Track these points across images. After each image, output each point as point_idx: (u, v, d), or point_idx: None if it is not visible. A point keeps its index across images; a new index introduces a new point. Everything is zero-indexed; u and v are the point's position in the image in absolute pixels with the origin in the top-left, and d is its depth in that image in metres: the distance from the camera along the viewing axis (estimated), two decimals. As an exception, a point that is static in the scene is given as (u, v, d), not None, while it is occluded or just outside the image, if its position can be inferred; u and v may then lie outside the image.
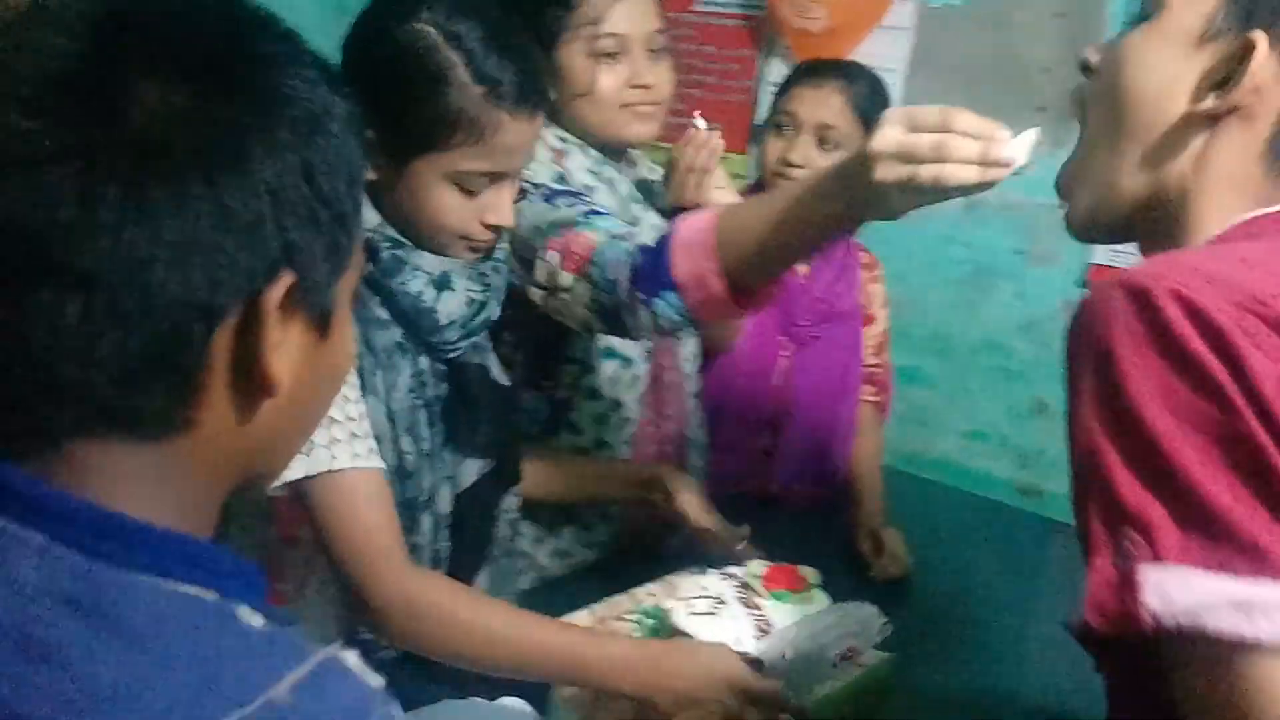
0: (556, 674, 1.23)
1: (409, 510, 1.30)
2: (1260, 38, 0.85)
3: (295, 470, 1.13)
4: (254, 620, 0.59)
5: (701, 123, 1.62)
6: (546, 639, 1.21)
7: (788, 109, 1.92)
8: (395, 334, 1.27)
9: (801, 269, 2.00)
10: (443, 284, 1.27)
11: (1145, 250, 0.99)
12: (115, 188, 0.54)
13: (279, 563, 1.30)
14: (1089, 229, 1.06)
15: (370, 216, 1.24)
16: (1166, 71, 0.91)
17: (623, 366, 1.71)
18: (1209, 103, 0.88)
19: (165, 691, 0.54)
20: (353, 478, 1.17)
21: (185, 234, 0.55)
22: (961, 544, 1.98)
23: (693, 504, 1.58)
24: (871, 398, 2.14)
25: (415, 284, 1.25)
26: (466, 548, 1.40)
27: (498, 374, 1.45)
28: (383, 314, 1.27)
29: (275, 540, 1.29)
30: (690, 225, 1.25)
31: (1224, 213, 0.89)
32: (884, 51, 2.68)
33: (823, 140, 1.88)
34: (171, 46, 0.58)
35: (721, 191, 1.66)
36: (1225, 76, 0.87)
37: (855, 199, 1.14)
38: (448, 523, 1.37)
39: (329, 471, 1.15)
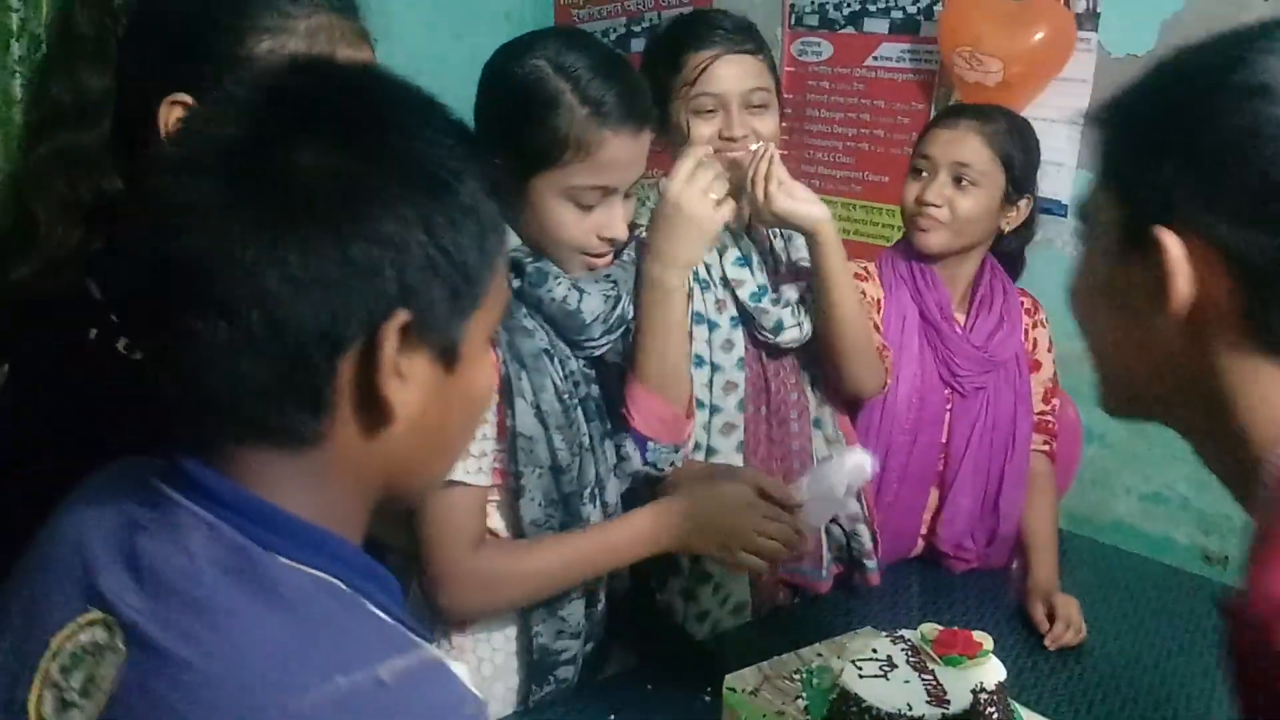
0: (611, 567, 1.46)
1: (569, 503, 1.42)
2: (1165, 235, 0.76)
3: None
4: (377, 611, 0.70)
5: (755, 145, 1.65)
6: (589, 549, 1.41)
7: (925, 152, 1.91)
8: (540, 341, 1.40)
9: (959, 317, 1.98)
10: (580, 288, 1.41)
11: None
12: (259, 233, 0.65)
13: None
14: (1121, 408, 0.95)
15: (513, 239, 1.37)
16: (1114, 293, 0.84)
17: (712, 372, 1.72)
18: (1160, 321, 0.79)
19: (293, 647, 0.64)
20: (458, 492, 1.33)
21: (311, 274, 0.65)
22: (1140, 612, 1.90)
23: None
24: (1042, 447, 2.07)
25: (560, 290, 1.40)
26: None
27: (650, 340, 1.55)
28: (528, 323, 1.39)
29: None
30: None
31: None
32: (1061, 103, 2.64)
33: (959, 179, 1.87)
34: (323, 117, 0.69)
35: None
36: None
37: None
38: (619, 510, 1.49)
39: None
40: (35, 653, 0.68)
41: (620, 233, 1.39)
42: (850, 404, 1.92)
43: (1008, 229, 1.95)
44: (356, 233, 0.66)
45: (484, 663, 1.46)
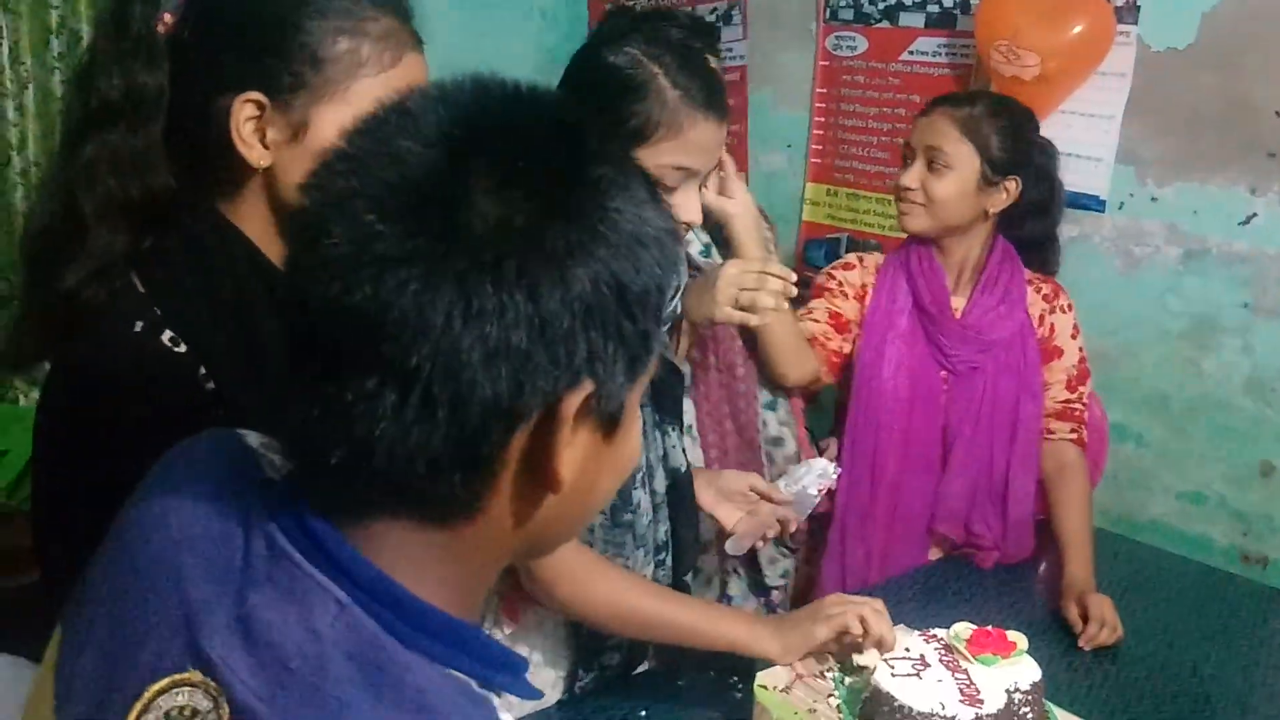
0: (676, 642, 1.43)
1: (623, 485, 1.39)
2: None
3: None
4: (507, 715, 0.65)
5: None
6: (676, 616, 1.39)
7: (908, 140, 2.02)
8: None
9: (959, 300, 2.03)
10: None
11: None
12: (448, 293, 0.58)
13: None
14: None
15: None
16: None
17: None
18: None
19: None
20: None
21: (502, 341, 0.59)
22: (1177, 612, 1.88)
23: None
24: (1069, 435, 2.06)
25: None
26: (686, 527, 1.54)
27: (679, 364, 1.62)
28: None
29: None
30: None
31: None
32: (1100, 98, 2.61)
33: (931, 163, 1.94)
34: (514, 165, 0.61)
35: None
36: None
37: None
38: (665, 501, 1.50)
39: None
40: (127, 691, 0.62)
41: (695, 217, 1.44)
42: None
43: (993, 211, 1.99)
44: (554, 295, 0.59)
45: (534, 650, 1.49)
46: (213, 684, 0.60)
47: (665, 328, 1.48)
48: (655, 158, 1.38)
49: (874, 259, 2.13)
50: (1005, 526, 2.02)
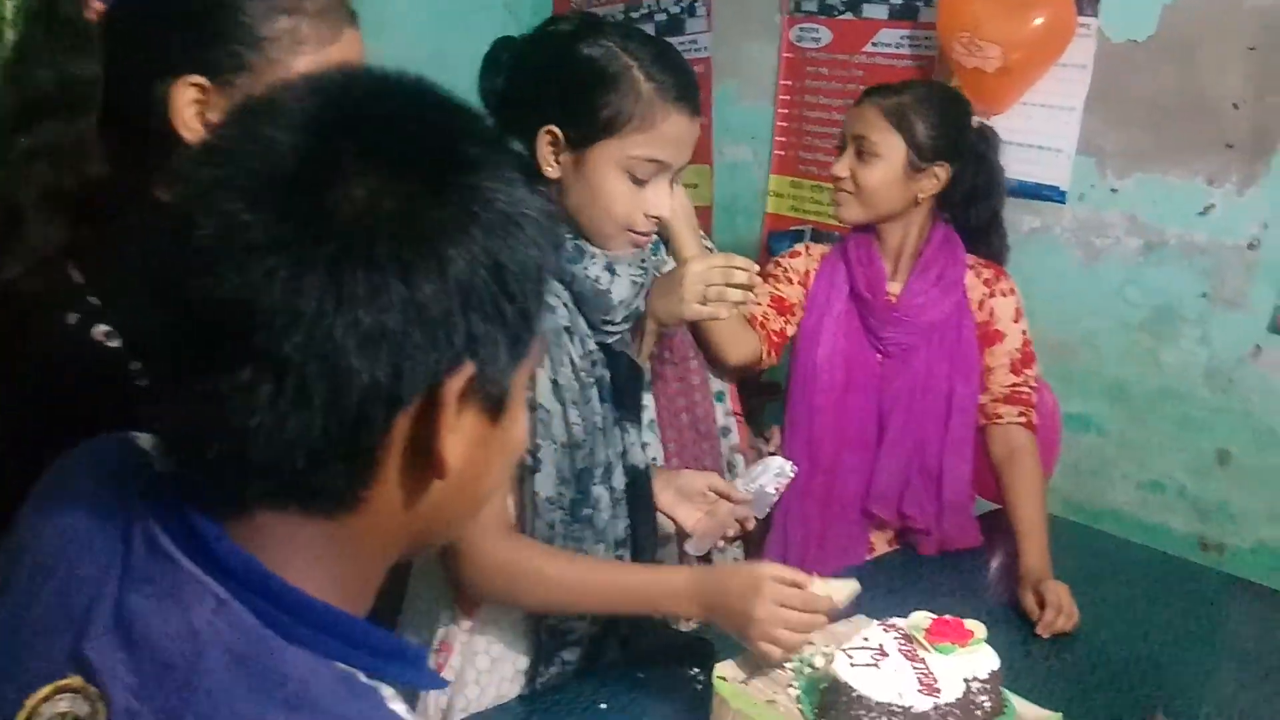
0: (635, 610, 1.46)
1: (582, 480, 1.45)
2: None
3: None
4: (398, 705, 0.63)
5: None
6: (622, 581, 1.42)
7: (841, 131, 2.07)
8: (561, 318, 1.44)
9: (895, 286, 2.05)
10: (612, 270, 1.46)
11: None
12: (318, 280, 0.57)
13: None
14: None
15: None
16: None
17: None
18: None
19: None
20: None
21: (378, 325, 0.58)
22: (1136, 600, 1.90)
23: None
24: (1017, 419, 2.06)
25: (594, 269, 1.45)
26: (644, 524, 1.54)
27: (641, 364, 1.61)
28: (550, 300, 1.41)
29: None
30: None
31: None
32: (1061, 89, 2.62)
33: (860, 152, 1.99)
34: (382, 148, 0.61)
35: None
36: None
37: None
38: (624, 499, 1.51)
39: None
40: (9, 701, 0.61)
41: (666, 211, 1.44)
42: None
43: (924, 197, 2.02)
44: (429, 277, 0.59)
45: (493, 644, 1.48)
46: (92, 689, 0.59)
47: (627, 328, 1.49)
48: (627, 149, 1.38)
49: (820, 248, 2.18)
50: (940, 509, 2.04)
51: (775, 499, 1.64)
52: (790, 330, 2.10)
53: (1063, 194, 2.66)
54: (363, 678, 0.63)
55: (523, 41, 1.49)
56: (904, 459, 2.05)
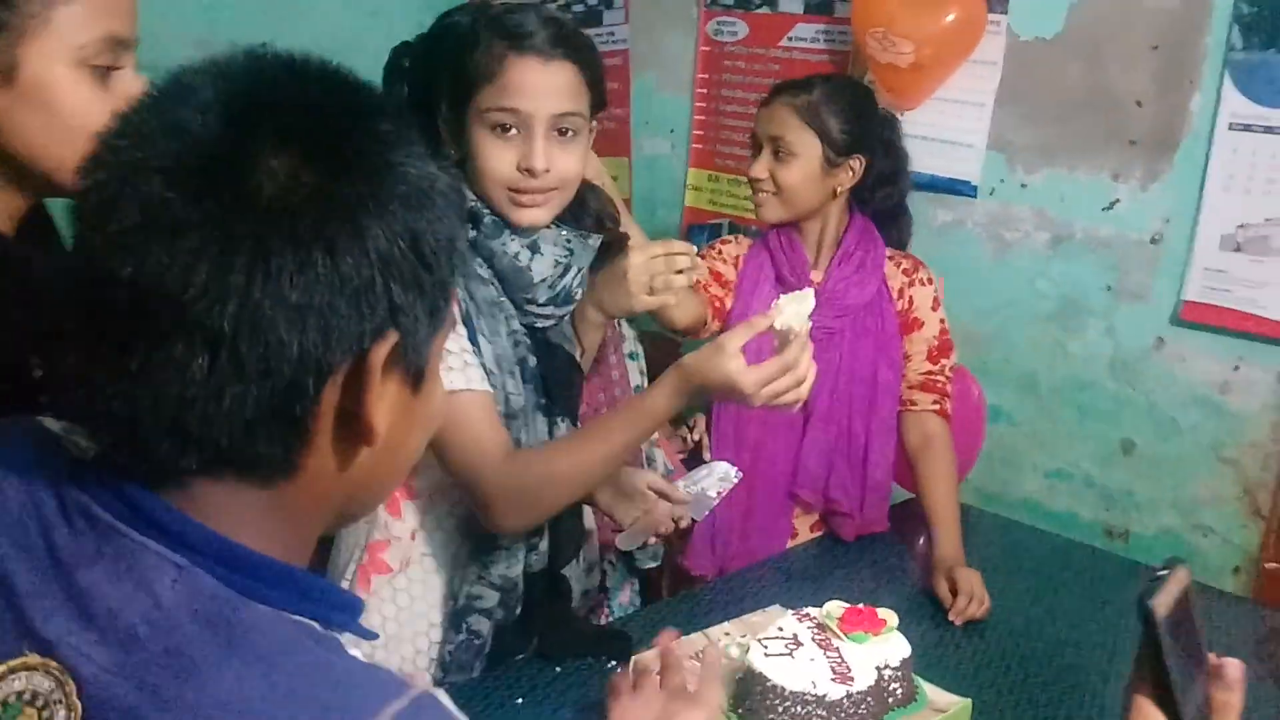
0: (638, 439, 1.47)
1: None
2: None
3: None
4: (355, 650, 0.66)
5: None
6: (619, 435, 1.41)
7: (753, 131, 2.08)
8: (493, 291, 1.44)
9: (816, 276, 2.07)
10: (534, 247, 1.46)
11: None
12: (245, 255, 0.59)
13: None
14: None
15: (469, 193, 1.44)
16: None
17: None
18: None
19: (282, 707, 0.59)
20: (466, 398, 1.37)
21: (305, 297, 0.61)
22: (1045, 586, 1.94)
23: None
24: (931, 406, 2.10)
25: (514, 245, 1.45)
26: (568, 519, 1.54)
27: (580, 361, 1.59)
28: (484, 272, 1.44)
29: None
30: None
31: None
32: (973, 85, 2.66)
33: (777, 152, 2.01)
34: (298, 126, 0.63)
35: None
36: None
37: None
38: None
39: (447, 393, 1.29)
40: None
41: (537, 163, 1.40)
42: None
43: (841, 190, 2.05)
44: (350, 249, 0.62)
45: (387, 621, 1.47)
46: (54, 664, 0.60)
47: (553, 311, 1.47)
48: (482, 104, 1.39)
49: (746, 240, 2.20)
50: (864, 492, 2.07)
51: (715, 503, 1.65)
52: (729, 303, 2.11)
53: (974, 188, 2.70)
54: (319, 628, 0.66)
55: (417, 41, 1.50)
56: (830, 443, 2.07)
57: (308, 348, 0.61)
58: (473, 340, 1.41)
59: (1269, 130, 2.28)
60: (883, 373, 2.08)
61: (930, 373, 2.11)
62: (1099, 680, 1.62)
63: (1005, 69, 2.63)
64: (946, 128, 2.70)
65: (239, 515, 0.66)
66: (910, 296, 2.12)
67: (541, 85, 1.40)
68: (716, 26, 3.15)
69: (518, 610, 1.51)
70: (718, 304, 2.10)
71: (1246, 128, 2.31)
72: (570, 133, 1.43)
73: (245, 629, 0.62)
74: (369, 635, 0.72)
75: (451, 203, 0.69)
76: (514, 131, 1.40)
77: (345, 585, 1.48)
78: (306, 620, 0.66)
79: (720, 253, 2.16)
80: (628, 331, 1.76)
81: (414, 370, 0.69)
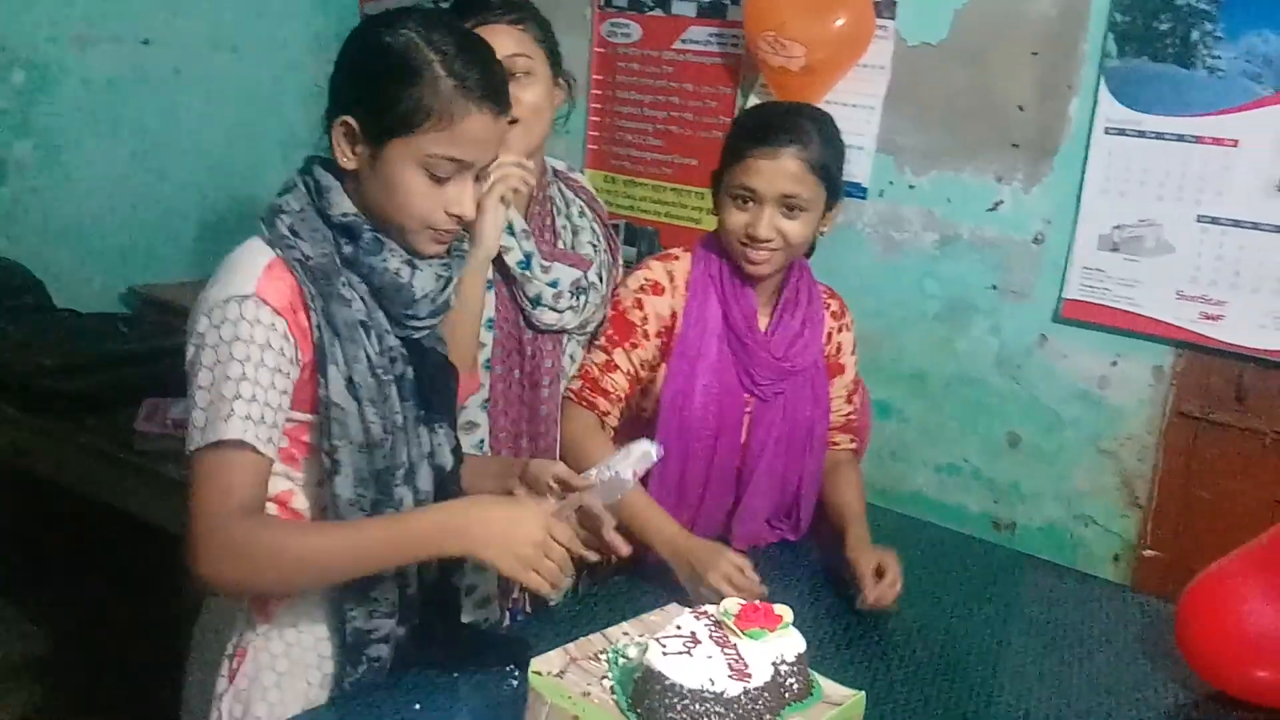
0: (391, 563, 1.38)
1: (382, 481, 1.39)
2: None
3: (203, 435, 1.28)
4: None
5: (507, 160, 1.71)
6: (374, 537, 1.34)
7: (748, 184, 1.83)
8: (358, 311, 1.38)
9: (762, 320, 1.96)
10: (413, 264, 1.42)
11: None
12: None
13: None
14: None
15: (348, 205, 1.39)
16: None
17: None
18: None
19: None
20: (236, 452, 1.28)
21: None
22: (935, 578, 1.98)
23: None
24: (849, 445, 2.13)
25: (394, 262, 1.40)
26: None
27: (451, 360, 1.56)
28: (346, 293, 1.37)
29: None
30: None
31: None
32: (861, 89, 2.72)
33: (788, 209, 1.83)
34: None
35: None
36: None
37: None
38: (429, 499, 1.45)
39: (219, 441, 1.27)
40: None
41: (468, 211, 1.40)
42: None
43: (825, 232, 1.95)
44: None
45: (292, 648, 1.43)
46: None
47: (434, 323, 1.45)
48: (425, 147, 1.34)
49: (683, 270, 1.97)
50: (796, 532, 2.06)
51: (630, 485, 1.59)
52: (644, 376, 1.96)
53: (864, 190, 2.76)
54: None
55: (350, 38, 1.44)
56: (768, 498, 2.02)
57: None
58: (323, 373, 1.33)
59: (1142, 135, 2.37)
60: (818, 425, 2.02)
61: (848, 415, 2.13)
62: (988, 671, 1.67)
63: (893, 73, 2.69)
64: (837, 130, 2.75)
65: None
66: (838, 343, 2.09)
67: (493, 138, 1.39)
68: (610, 28, 3.15)
69: (416, 621, 1.48)
70: (621, 400, 1.94)
71: (1121, 132, 2.40)
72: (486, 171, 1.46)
73: None
74: None
75: None
76: (449, 177, 1.37)
77: (242, 615, 1.42)
78: None
79: (646, 321, 1.94)
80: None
81: None
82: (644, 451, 1.59)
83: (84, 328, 2.87)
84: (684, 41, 3.02)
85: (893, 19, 2.68)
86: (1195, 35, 2.29)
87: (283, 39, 3.59)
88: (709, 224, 2.98)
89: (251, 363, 1.29)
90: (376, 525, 1.36)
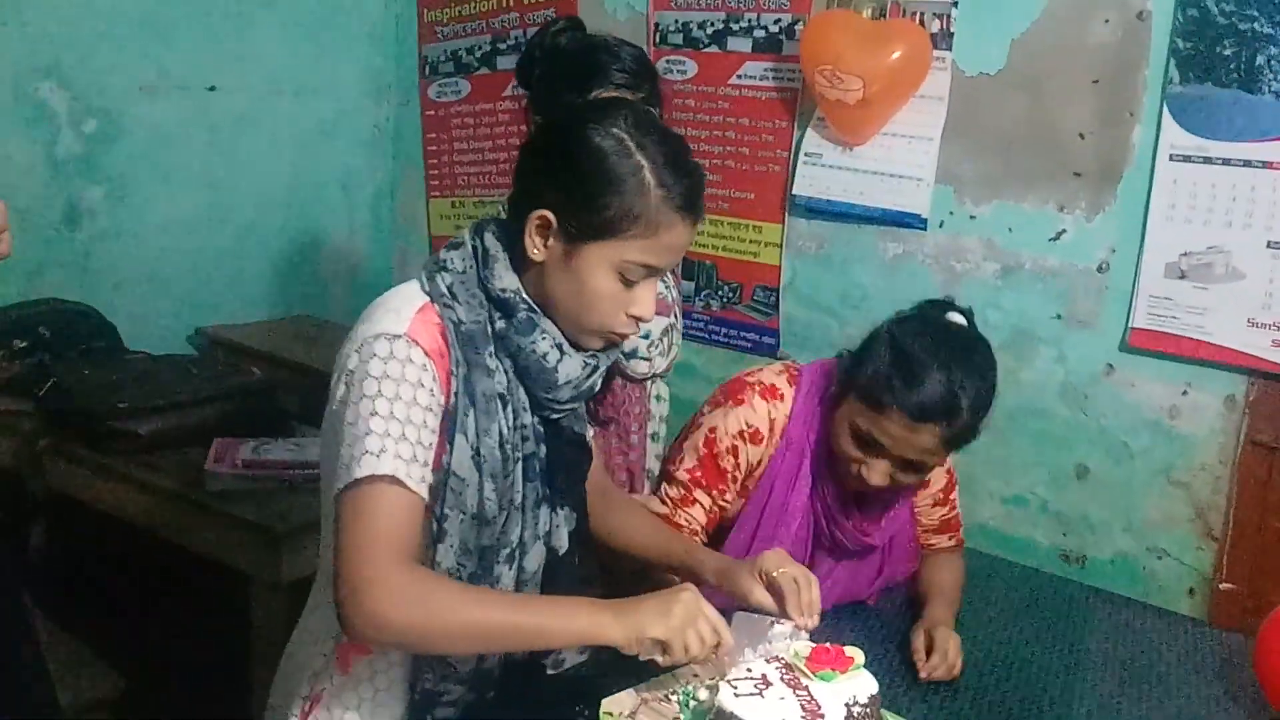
0: (535, 646, 1.37)
1: (484, 557, 1.37)
2: None
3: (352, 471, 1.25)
4: None
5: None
6: (519, 619, 1.29)
7: (876, 436, 1.68)
8: (499, 384, 1.36)
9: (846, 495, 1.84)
10: (562, 349, 1.39)
11: None
12: None
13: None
14: None
15: (511, 280, 1.37)
16: None
17: None
18: None
19: None
20: (395, 492, 1.26)
21: None
22: (1006, 615, 1.96)
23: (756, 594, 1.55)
24: (948, 544, 2.04)
25: (543, 345, 1.37)
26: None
27: (589, 441, 1.55)
28: (491, 363, 1.36)
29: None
30: None
31: None
32: (919, 120, 2.71)
33: (907, 466, 1.71)
34: None
35: None
36: None
37: None
38: (536, 581, 1.44)
39: (371, 476, 1.24)
40: None
41: (649, 314, 1.39)
42: None
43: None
44: None
45: (365, 703, 1.42)
46: None
47: (574, 407, 1.44)
48: (625, 252, 1.32)
49: (783, 415, 1.85)
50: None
51: (768, 648, 1.47)
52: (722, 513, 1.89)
53: (924, 221, 2.75)
54: None
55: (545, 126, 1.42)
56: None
57: None
58: (450, 441, 1.32)
59: (1207, 161, 2.34)
60: (886, 568, 1.94)
61: (944, 515, 2.03)
62: (1062, 709, 1.64)
63: (951, 104, 2.68)
64: (895, 162, 2.75)
65: None
66: (934, 493, 2.00)
67: (686, 246, 1.39)
68: (666, 66, 3.18)
69: (490, 694, 1.46)
70: (749, 480, 1.86)
71: (1186, 159, 2.37)
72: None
73: None
74: None
75: None
76: (638, 281, 1.36)
77: (322, 660, 1.42)
78: None
79: (738, 468, 1.85)
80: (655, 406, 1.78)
81: None
82: (784, 635, 1.49)
83: (156, 370, 2.92)
84: (740, 77, 3.03)
85: (949, 50, 2.67)
86: (1260, 60, 2.26)
87: (342, 82, 3.67)
88: (766, 257, 3.02)
89: (403, 401, 1.27)
90: (537, 605, 1.35)
